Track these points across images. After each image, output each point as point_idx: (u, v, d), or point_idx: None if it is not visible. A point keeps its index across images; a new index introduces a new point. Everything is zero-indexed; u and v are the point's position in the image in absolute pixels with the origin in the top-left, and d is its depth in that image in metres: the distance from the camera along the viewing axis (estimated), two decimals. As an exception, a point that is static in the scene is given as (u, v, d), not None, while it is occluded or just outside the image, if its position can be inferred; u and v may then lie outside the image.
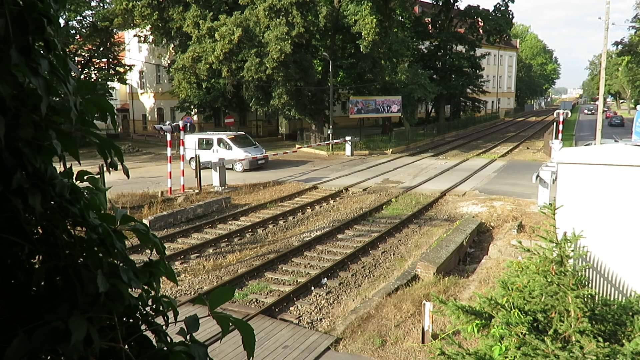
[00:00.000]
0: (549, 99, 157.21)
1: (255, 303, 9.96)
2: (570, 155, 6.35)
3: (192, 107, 37.08)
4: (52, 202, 1.19)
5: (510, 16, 47.63)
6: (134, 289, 1.26)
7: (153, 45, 39.41)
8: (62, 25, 33.81)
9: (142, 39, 39.50)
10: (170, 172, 19.06)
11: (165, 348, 1.23)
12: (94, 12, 37.93)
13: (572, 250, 4.33)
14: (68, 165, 1.27)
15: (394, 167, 26.45)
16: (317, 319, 9.22)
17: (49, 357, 1.08)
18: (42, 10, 1.12)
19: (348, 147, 31.97)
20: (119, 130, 47.59)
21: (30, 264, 1.18)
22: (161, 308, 1.33)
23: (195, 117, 37.77)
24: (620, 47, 51.47)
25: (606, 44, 28.11)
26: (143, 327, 1.27)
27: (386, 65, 36.58)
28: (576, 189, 6.20)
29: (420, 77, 38.96)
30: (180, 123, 19.91)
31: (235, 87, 33.75)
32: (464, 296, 9.27)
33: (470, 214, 15.70)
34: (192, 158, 23.96)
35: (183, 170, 19.38)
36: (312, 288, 10.60)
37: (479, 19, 47.93)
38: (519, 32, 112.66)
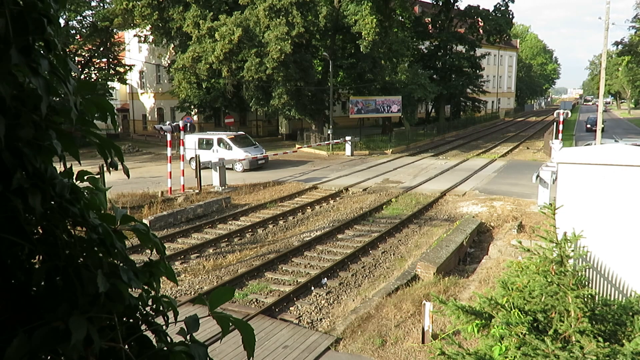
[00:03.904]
0: (549, 99, 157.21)
1: (255, 303, 9.96)
2: (570, 155, 6.34)
3: (192, 107, 37.09)
4: (52, 202, 1.19)
5: (510, 16, 47.63)
6: (134, 289, 1.26)
7: (153, 45, 39.41)
8: (62, 25, 33.80)
9: (142, 39, 39.49)
10: (170, 172, 19.06)
11: (165, 348, 1.23)
12: (94, 12, 37.92)
13: (572, 250, 4.33)
14: (68, 165, 1.27)
15: (394, 167, 26.45)
16: (317, 319, 9.22)
17: (49, 357, 1.08)
18: (42, 10, 1.12)
19: (348, 147, 31.96)
20: (119, 130, 47.59)
21: (30, 264, 1.18)
22: (161, 308, 1.33)
23: (195, 117, 37.77)
24: (620, 47, 51.47)
25: (606, 44, 28.11)
26: (143, 327, 1.27)
27: (386, 65, 36.58)
28: (576, 189, 6.20)
29: (420, 77, 38.96)
30: (180, 123, 19.92)
31: (235, 87, 33.75)
32: (464, 296, 9.27)
33: (470, 214, 15.70)
34: (192, 158, 23.96)
35: (183, 170, 19.38)
36: (312, 288, 10.60)
37: (479, 19, 47.92)
38: (519, 32, 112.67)
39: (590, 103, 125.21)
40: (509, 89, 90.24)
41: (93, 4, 38.34)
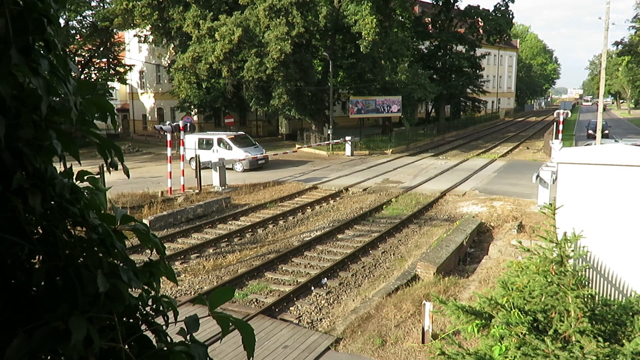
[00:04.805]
0: (549, 99, 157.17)
1: (255, 303, 9.96)
2: (570, 155, 6.34)
3: (192, 107, 37.09)
4: (52, 202, 1.19)
5: (510, 16, 47.62)
6: (134, 289, 1.26)
7: (153, 45, 39.41)
8: (62, 25, 33.81)
9: (142, 39, 39.49)
10: (170, 172, 19.06)
11: (165, 348, 1.23)
12: (94, 12, 37.93)
13: (572, 250, 4.33)
14: (68, 165, 1.27)
15: (394, 167, 26.45)
16: (317, 319, 9.22)
17: (49, 357, 1.08)
18: (42, 10, 1.12)
19: (348, 147, 31.97)
20: (119, 130, 47.58)
21: (30, 264, 1.18)
22: (161, 308, 1.33)
23: (195, 117, 37.78)
24: (620, 47, 51.52)
25: (606, 44, 28.09)
26: (143, 327, 1.27)
27: (386, 65, 36.57)
28: (576, 189, 6.20)
29: (420, 77, 38.95)
30: (180, 123, 19.91)
31: (235, 87, 33.75)
32: (464, 296, 9.27)
33: (470, 214, 15.70)
34: (192, 158, 23.96)
35: (183, 170, 19.38)
36: (312, 288, 10.60)
37: (479, 19, 47.92)
38: (519, 32, 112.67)
39: (590, 103, 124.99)
40: (509, 89, 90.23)
41: (93, 4, 38.36)
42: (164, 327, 1.30)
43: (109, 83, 41.05)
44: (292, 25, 28.78)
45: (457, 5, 48.98)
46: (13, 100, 1.09)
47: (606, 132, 32.07)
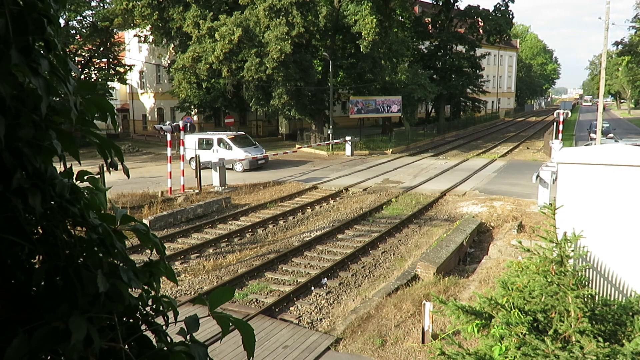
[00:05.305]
0: (549, 99, 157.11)
1: (255, 303, 9.96)
2: (570, 155, 6.34)
3: (192, 107, 37.09)
4: (52, 202, 1.19)
5: (510, 16, 47.62)
6: (134, 289, 1.26)
7: (153, 45, 39.42)
8: (62, 25, 33.80)
9: (142, 39, 39.49)
10: (170, 172, 19.06)
11: (165, 348, 1.23)
12: (94, 12, 37.92)
13: (572, 250, 4.33)
14: (68, 165, 1.27)
15: (394, 167, 26.45)
16: (317, 319, 9.22)
17: (49, 357, 1.08)
18: (42, 10, 1.12)
19: (348, 147, 31.97)
20: (119, 130, 47.58)
21: (30, 264, 1.18)
22: (161, 308, 1.33)
23: (195, 117, 37.77)
24: (620, 47, 51.49)
25: (606, 44, 28.08)
26: (143, 327, 1.27)
27: (386, 65, 36.58)
28: (576, 189, 6.20)
29: (420, 77, 38.94)
30: (180, 123, 19.92)
31: (235, 87, 33.75)
32: (464, 296, 9.27)
33: (470, 214, 15.70)
34: (192, 158, 23.96)
35: (183, 170, 19.38)
36: (312, 288, 10.60)
37: (479, 19, 47.92)
38: (519, 32, 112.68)
39: (590, 103, 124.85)
40: (509, 89, 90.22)
41: (93, 4, 38.34)
42: (164, 327, 1.30)
43: (109, 83, 41.04)
44: (292, 25, 28.78)
45: (457, 5, 48.99)
46: (13, 100, 1.09)
47: (610, 135, 31.82)
